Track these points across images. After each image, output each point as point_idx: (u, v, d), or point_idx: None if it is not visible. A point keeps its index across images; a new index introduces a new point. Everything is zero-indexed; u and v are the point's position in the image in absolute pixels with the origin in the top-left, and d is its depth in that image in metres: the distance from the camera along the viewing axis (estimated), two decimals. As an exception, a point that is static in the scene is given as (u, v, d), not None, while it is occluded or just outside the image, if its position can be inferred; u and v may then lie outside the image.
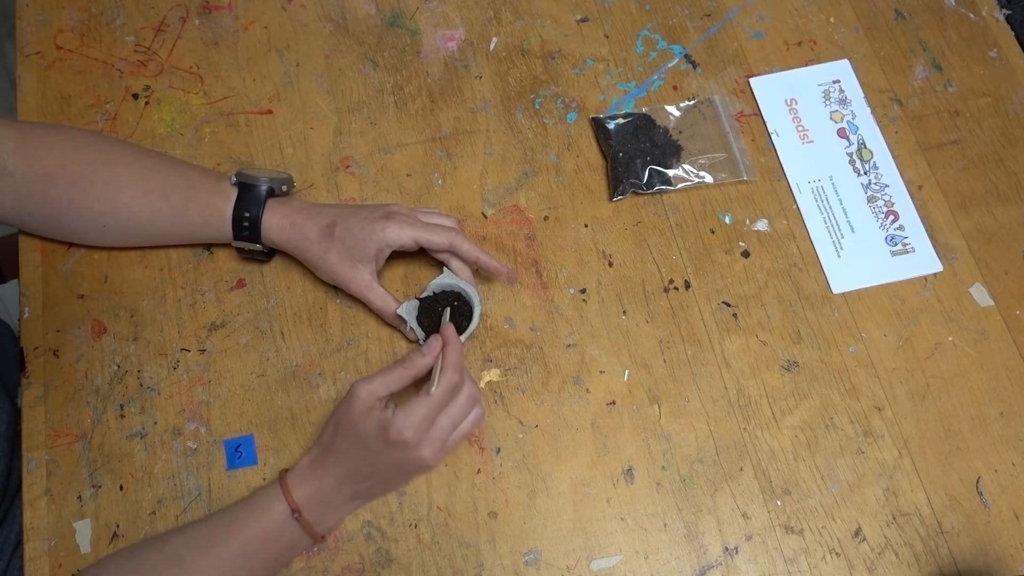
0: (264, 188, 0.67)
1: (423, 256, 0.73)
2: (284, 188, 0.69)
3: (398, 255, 0.72)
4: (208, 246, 0.73)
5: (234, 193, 0.67)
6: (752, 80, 0.82)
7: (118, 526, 0.64)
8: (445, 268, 0.70)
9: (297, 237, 0.67)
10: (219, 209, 0.67)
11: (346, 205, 0.71)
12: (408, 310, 0.67)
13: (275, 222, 0.67)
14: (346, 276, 0.67)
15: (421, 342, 0.68)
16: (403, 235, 0.66)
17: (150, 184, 0.67)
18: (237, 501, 0.61)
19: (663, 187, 0.76)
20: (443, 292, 0.69)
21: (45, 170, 0.65)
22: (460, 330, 0.67)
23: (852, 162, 0.79)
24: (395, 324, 0.69)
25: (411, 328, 0.67)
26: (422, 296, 0.69)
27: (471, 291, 0.69)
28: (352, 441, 0.59)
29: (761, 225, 0.77)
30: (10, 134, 0.65)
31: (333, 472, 0.60)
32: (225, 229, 0.68)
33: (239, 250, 0.70)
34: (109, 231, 0.68)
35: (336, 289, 0.72)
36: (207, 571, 0.57)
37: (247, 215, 0.67)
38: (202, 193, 0.68)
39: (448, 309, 0.66)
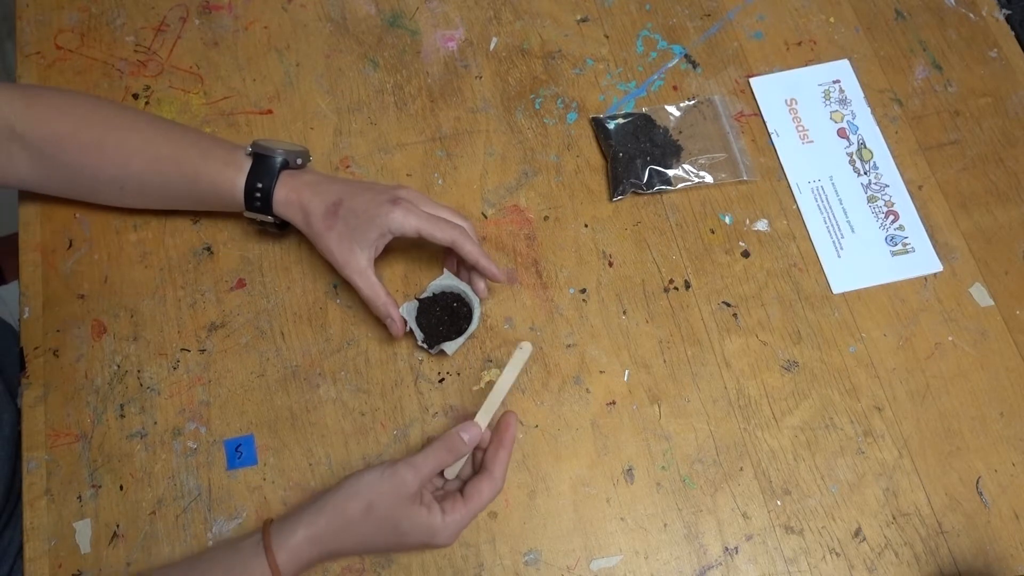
0: (279, 159, 0.67)
1: (424, 256, 0.73)
2: (299, 161, 0.69)
3: (400, 253, 0.72)
4: (208, 246, 0.73)
5: (247, 164, 0.67)
6: (752, 80, 0.82)
7: (118, 526, 0.64)
8: (445, 269, 0.70)
9: (301, 212, 0.66)
10: (230, 179, 0.66)
11: (357, 182, 0.70)
12: (408, 311, 0.67)
13: (283, 195, 0.66)
14: (342, 258, 0.66)
15: (420, 342, 0.68)
16: (407, 223, 0.65)
17: (161, 152, 0.67)
18: (215, 553, 0.58)
19: (663, 187, 0.76)
20: (442, 293, 0.69)
21: (55, 133, 0.65)
22: (459, 331, 0.67)
23: (852, 162, 0.79)
24: (380, 316, 0.67)
25: (411, 328, 0.67)
26: (421, 296, 0.69)
27: (471, 292, 0.69)
28: (387, 529, 0.57)
29: (761, 225, 0.77)
30: (18, 95, 0.65)
31: (337, 547, 0.57)
32: (236, 199, 0.67)
33: (251, 222, 0.69)
34: (127, 194, 0.68)
35: (336, 289, 0.72)
36: None
37: (259, 185, 0.66)
38: (213, 163, 0.67)
39: (509, 383, 0.63)
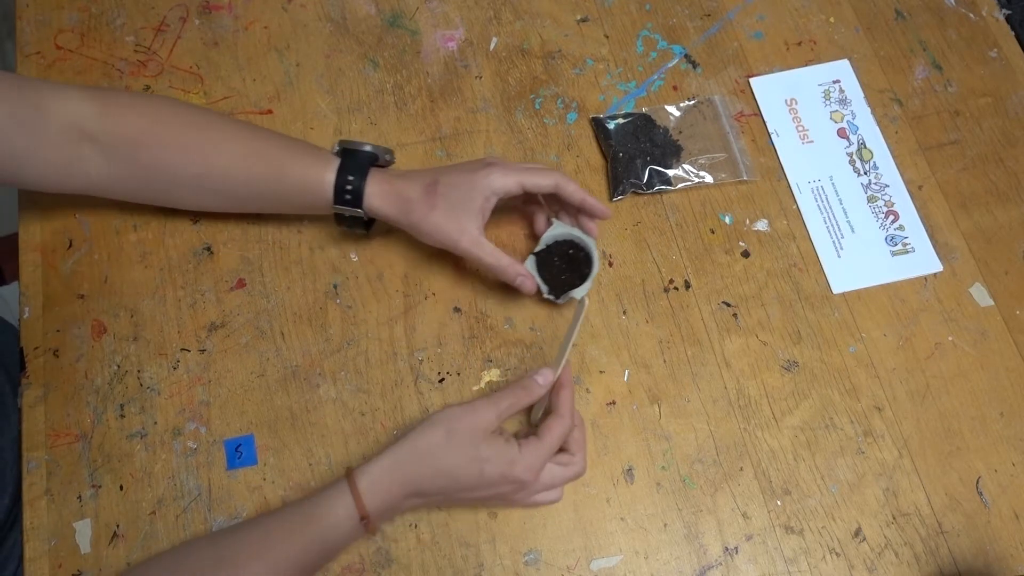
0: (368, 153, 0.67)
1: (424, 256, 0.73)
2: (388, 158, 0.69)
3: (399, 255, 0.72)
4: (208, 246, 0.73)
5: (335, 161, 0.66)
6: (752, 80, 0.82)
7: (118, 526, 0.64)
8: (554, 220, 0.71)
9: (399, 200, 0.66)
10: (319, 174, 0.66)
11: (443, 166, 0.70)
12: (528, 267, 0.68)
13: (376, 188, 0.66)
14: (453, 234, 0.65)
15: (546, 295, 0.69)
16: (508, 181, 0.65)
17: (247, 148, 0.66)
18: (296, 503, 0.58)
19: (663, 187, 0.76)
20: (556, 243, 0.70)
21: (132, 133, 0.64)
22: (582, 277, 0.68)
23: (852, 162, 0.79)
24: (509, 280, 0.67)
25: (538, 283, 0.68)
26: (537, 251, 0.69)
27: (584, 236, 0.69)
28: (468, 455, 0.57)
29: (761, 225, 0.77)
30: (89, 98, 0.63)
31: (418, 476, 0.57)
32: (324, 194, 0.66)
33: (338, 218, 0.68)
34: (206, 194, 0.67)
35: (336, 289, 0.72)
36: (260, 574, 0.55)
37: (350, 178, 0.65)
38: (300, 158, 0.66)
39: (575, 332, 0.62)
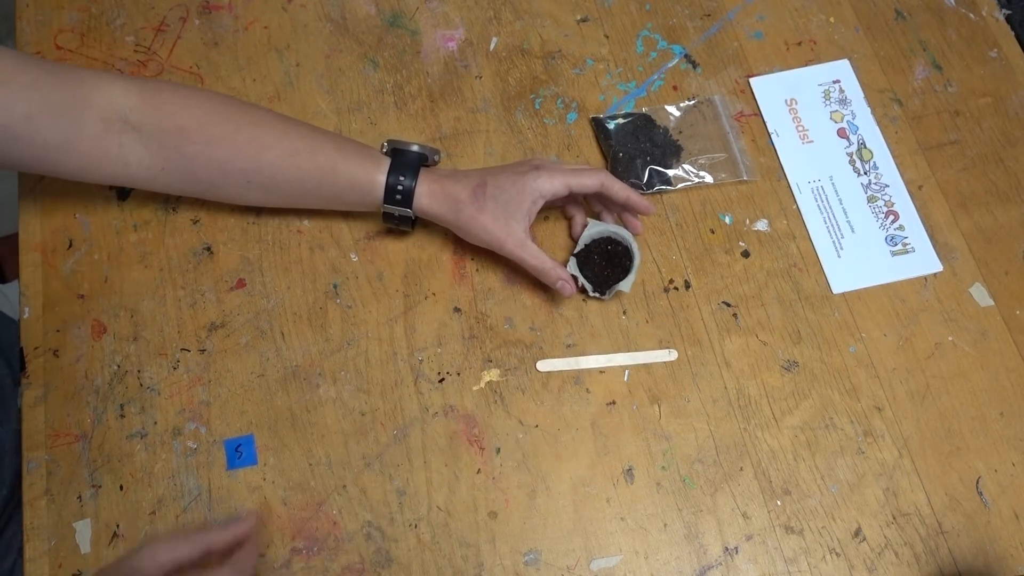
0: (417, 154, 0.68)
1: (424, 256, 0.73)
2: (436, 158, 0.70)
3: (400, 254, 0.72)
4: (208, 246, 0.73)
5: (385, 160, 0.67)
6: (752, 80, 0.82)
7: (118, 526, 0.64)
8: (590, 219, 0.72)
9: (448, 201, 0.67)
10: (369, 174, 0.66)
11: (490, 167, 0.71)
12: (570, 268, 0.70)
13: (426, 188, 0.67)
14: (500, 236, 0.67)
15: (591, 293, 0.70)
16: (555, 183, 0.67)
17: (296, 145, 0.66)
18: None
19: (663, 187, 0.76)
20: (594, 241, 0.71)
21: (177, 125, 0.63)
22: (624, 270, 0.70)
23: (852, 162, 0.79)
24: (550, 283, 0.69)
25: (582, 283, 0.69)
26: (576, 251, 0.71)
27: (622, 231, 0.71)
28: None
29: (761, 225, 0.77)
30: (133, 88, 0.63)
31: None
32: (374, 194, 0.67)
33: (386, 216, 0.69)
34: (252, 188, 0.67)
35: (336, 289, 0.72)
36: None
37: (402, 179, 0.66)
38: (350, 157, 0.67)
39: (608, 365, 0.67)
